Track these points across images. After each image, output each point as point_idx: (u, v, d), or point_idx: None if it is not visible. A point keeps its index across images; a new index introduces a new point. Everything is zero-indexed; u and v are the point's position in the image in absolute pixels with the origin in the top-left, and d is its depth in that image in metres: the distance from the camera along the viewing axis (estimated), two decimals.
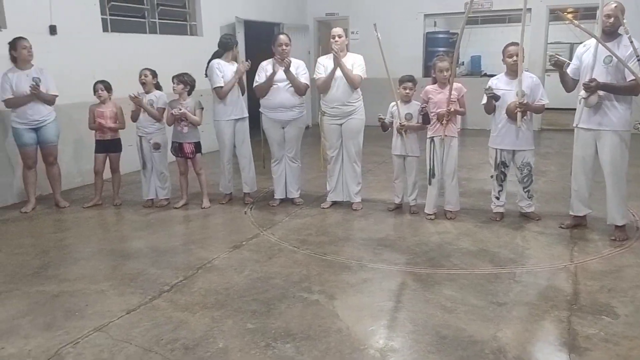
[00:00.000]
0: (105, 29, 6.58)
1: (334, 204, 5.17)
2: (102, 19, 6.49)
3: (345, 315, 2.99)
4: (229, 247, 4.12)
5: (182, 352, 2.62)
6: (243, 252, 4.03)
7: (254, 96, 5.13)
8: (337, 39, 4.73)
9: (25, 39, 4.95)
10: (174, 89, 5.00)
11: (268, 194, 5.56)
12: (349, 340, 2.73)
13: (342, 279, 3.51)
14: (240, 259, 3.88)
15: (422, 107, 4.56)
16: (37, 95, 4.89)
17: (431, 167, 4.66)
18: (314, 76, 4.95)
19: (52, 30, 5.79)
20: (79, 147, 6.00)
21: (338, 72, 4.73)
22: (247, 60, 5.22)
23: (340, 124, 4.91)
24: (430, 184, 4.70)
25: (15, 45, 4.92)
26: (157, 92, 5.18)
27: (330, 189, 5.15)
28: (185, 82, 5.02)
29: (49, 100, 5.07)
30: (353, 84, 4.73)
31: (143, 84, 5.12)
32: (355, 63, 4.78)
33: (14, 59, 4.97)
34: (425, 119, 4.58)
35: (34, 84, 4.85)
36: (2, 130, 5.33)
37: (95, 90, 5.17)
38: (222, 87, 5.01)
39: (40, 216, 5.06)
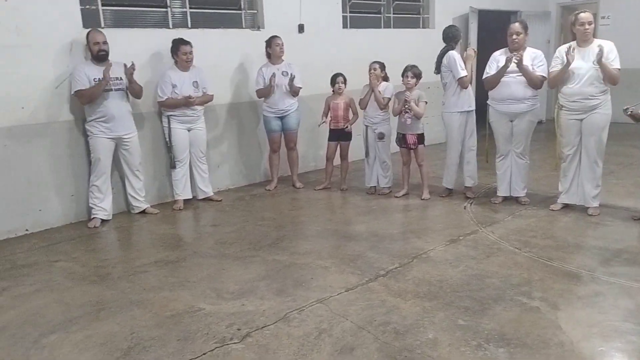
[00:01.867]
0: (344, 26, 7.07)
1: (565, 206, 4.70)
2: (342, 16, 6.98)
3: (569, 329, 2.73)
4: (446, 240, 4.08)
5: (392, 336, 2.71)
6: (459, 247, 3.96)
7: (480, 88, 4.95)
8: (587, 26, 4.26)
9: (278, 36, 5.62)
10: (407, 82, 5.11)
11: (490, 191, 5.34)
12: (572, 357, 2.48)
13: (568, 289, 3.19)
14: (456, 253, 3.82)
15: None
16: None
17: None
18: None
19: (301, 28, 6.44)
20: (314, 135, 6.59)
21: (580, 63, 4.27)
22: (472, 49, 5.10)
23: (581, 119, 4.42)
24: None
25: (270, 42, 5.62)
26: (384, 83, 5.37)
27: (562, 190, 4.70)
28: (418, 74, 5.11)
29: (296, 92, 5.63)
30: (612, 79, 4.22)
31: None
32: (609, 52, 4.21)
33: (268, 55, 5.68)
34: None
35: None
36: (255, 118, 6.16)
37: (334, 83, 5.60)
38: (465, 76, 4.97)
39: (280, 194, 5.73)
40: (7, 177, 4.47)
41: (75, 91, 4.61)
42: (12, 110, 4.48)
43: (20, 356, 2.62)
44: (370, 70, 5.33)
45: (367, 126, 5.48)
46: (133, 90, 4.87)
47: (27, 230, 4.63)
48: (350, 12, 7.20)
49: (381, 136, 5.39)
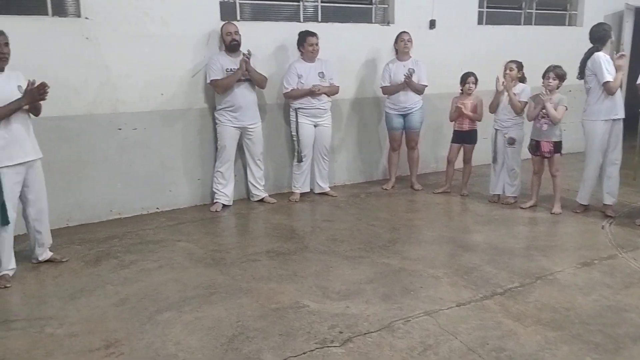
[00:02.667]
0: (480, 22, 6.68)
1: None
2: (478, 11, 6.60)
3: None
4: (577, 263, 3.67)
5: None
6: (593, 271, 3.53)
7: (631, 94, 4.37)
8: None
9: (406, 32, 5.45)
10: (547, 84, 4.67)
11: (634, 211, 4.72)
12: None
13: None
14: (589, 279, 3.41)
15: None
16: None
17: None
18: None
19: (432, 24, 6.20)
20: (437, 135, 6.32)
21: None
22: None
23: None
24: None
25: (396, 38, 5.47)
26: (520, 85, 4.96)
27: None
28: (562, 76, 4.65)
29: (419, 90, 5.46)
30: None
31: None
32: None
33: (396, 51, 5.53)
34: None
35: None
36: (377, 115, 6.05)
37: (465, 82, 5.31)
38: (611, 81, 4.44)
39: (396, 195, 5.58)
40: (144, 158, 4.83)
41: (211, 80, 4.83)
42: (152, 96, 4.82)
43: (136, 330, 2.78)
44: (505, 70, 4.95)
45: (497, 130, 5.12)
46: (254, 80, 4.96)
47: (157, 208, 4.97)
48: (488, 7, 6.77)
49: (511, 141, 5.00)
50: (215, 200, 5.07)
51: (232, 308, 3.01)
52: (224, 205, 5.06)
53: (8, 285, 3.34)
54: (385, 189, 5.74)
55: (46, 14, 4.35)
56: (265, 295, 3.18)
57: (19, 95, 3.37)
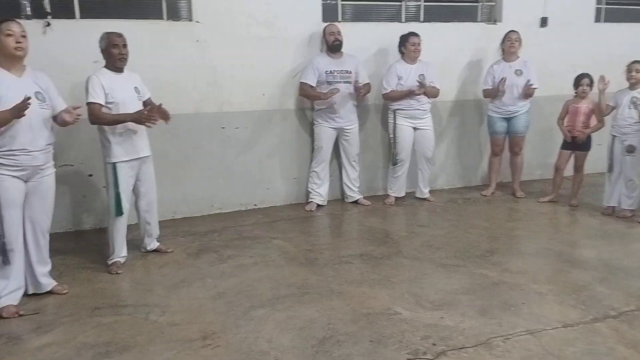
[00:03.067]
0: (597, 19, 6.19)
1: None
2: (596, 8, 6.12)
3: None
4: None
5: None
6: None
7: None
8: None
9: (515, 31, 5.17)
10: None
11: None
12: None
13: None
14: None
15: None
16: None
17: None
18: None
19: (543, 22, 5.83)
20: (544, 141, 5.93)
21: None
22: None
23: None
24: None
25: (504, 37, 5.21)
26: None
27: None
28: None
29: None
30: None
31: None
32: None
33: (502, 51, 5.27)
34: None
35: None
36: (478, 118, 5.80)
37: (578, 85, 4.94)
38: None
39: (496, 202, 5.31)
40: (244, 156, 5.00)
41: (301, 82, 4.90)
42: (255, 96, 4.98)
43: (231, 324, 2.87)
44: (631, 71, 4.53)
45: (614, 136, 4.70)
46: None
47: (255, 205, 5.13)
48: (607, 3, 6.25)
49: (631, 149, 4.57)
50: (309, 200, 5.13)
51: (324, 310, 3.02)
52: (318, 205, 5.11)
53: (119, 272, 3.60)
54: (485, 195, 5.48)
55: (161, 18, 4.63)
56: (356, 299, 3.15)
57: (136, 96, 3.61)
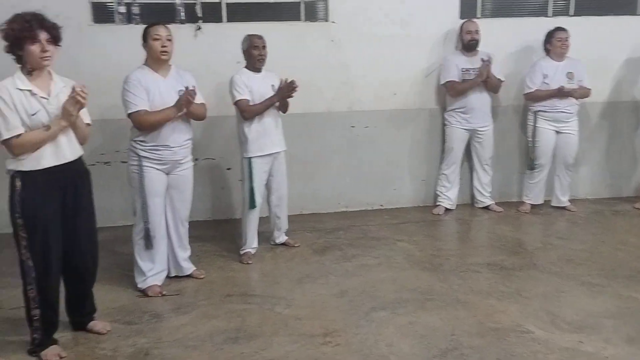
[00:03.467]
0: None
1: None
2: None
3: None
4: None
5: None
6: None
7: None
8: None
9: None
10: None
11: None
12: None
13: None
14: None
15: None
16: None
17: None
18: None
19: None
20: None
21: None
22: None
23: None
24: None
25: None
26: None
27: None
28: None
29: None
30: None
31: None
32: None
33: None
34: None
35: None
36: (634, 121, 5.20)
37: None
38: None
39: None
40: (372, 155, 5.00)
41: (447, 82, 4.74)
42: (386, 96, 4.95)
43: (352, 323, 2.88)
44: None
45: None
46: (491, 85, 4.69)
47: (381, 205, 5.11)
48: None
49: None
50: (437, 203, 4.99)
51: (448, 319, 2.91)
52: (447, 209, 4.94)
53: (250, 262, 3.79)
54: (638, 208, 4.91)
55: (299, 19, 4.78)
56: (483, 311, 2.99)
57: (272, 94, 3.77)
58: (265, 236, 4.15)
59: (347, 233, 4.42)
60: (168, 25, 3.24)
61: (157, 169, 3.24)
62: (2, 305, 3.17)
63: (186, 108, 3.18)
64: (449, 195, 4.94)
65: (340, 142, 4.94)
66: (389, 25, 4.81)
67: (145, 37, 3.18)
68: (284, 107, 3.89)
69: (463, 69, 4.67)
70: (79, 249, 2.68)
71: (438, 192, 4.99)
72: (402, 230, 4.47)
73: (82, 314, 2.85)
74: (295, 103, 3.92)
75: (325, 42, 4.76)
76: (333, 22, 4.76)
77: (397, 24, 4.82)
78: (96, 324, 2.85)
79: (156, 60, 3.20)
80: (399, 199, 5.13)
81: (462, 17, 4.86)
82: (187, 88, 3.14)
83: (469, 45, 4.68)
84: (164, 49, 3.15)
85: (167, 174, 3.30)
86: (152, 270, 3.33)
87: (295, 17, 4.78)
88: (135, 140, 3.22)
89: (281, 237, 4.13)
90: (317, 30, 4.77)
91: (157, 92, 3.17)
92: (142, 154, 3.19)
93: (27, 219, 2.48)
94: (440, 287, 3.33)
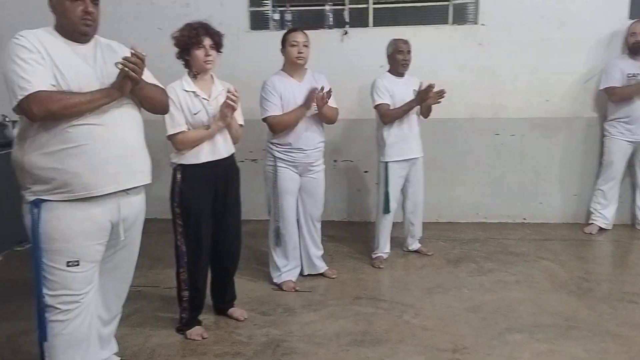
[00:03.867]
0: None
1: None
2: None
3: None
4: None
5: None
6: None
7: None
8: None
9: None
10: None
11: None
12: None
13: None
14: None
15: None
16: None
17: None
18: None
19: None
20: None
21: None
22: None
23: None
24: None
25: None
26: None
27: None
28: None
29: None
30: None
31: None
32: None
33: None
34: None
35: None
36: None
37: None
38: None
39: None
40: (517, 166, 4.71)
41: (607, 88, 4.31)
42: (536, 102, 4.63)
43: (484, 342, 2.74)
44: None
45: None
46: None
47: (524, 219, 4.79)
48: None
49: None
50: (590, 221, 4.54)
51: (594, 352, 2.64)
52: (601, 229, 4.48)
53: (381, 267, 3.80)
54: None
55: (446, 22, 4.66)
56: (638, 348, 2.67)
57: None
58: (398, 241, 4.12)
59: (484, 245, 4.22)
60: (310, 31, 3.35)
61: (290, 169, 3.38)
62: (159, 284, 3.54)
63: (318, 108, 3.27)
64: (605, 214, 4.47)
65: (482, 149, 4.73)
66: (544, 28, 4.49)
67: (284, 43, 3.33)
68: (425, 112, 3.83)
69: (629, 74, 4.20)
70: (225, 240, 2.91)
71: (592, 210, 4.55)
72: (546, 248, 4.15)
73: (224, 300, 3.08)
74: (436, 108, 3.84)
75: (473, 46, 4.59)
76: (483, 24, 4.56)
77: (554, 25, 4.48)
78: (235, 311, 3.06)
79: (292, 65, 3.32)
80: (545, 214, 4.76)
81: (631, 17, 4.37)
82: (321, 89, 3.22)
83: (633, 48, 4.21)
84: (300, 55, 3.26)
85: (300, 175, 3.43)
86: (287, 267, 3.49)
87: (443, 21, 4.67)
88: (271, 142, 3.40)
89: (414, 244, 4.07)
90: (465, 34, 4.61)
91: (291, 96, 3.30)
92: (278, 155, 3.36)
93: (183, 208, 2.75)
94: (587, 315, 3.03)
